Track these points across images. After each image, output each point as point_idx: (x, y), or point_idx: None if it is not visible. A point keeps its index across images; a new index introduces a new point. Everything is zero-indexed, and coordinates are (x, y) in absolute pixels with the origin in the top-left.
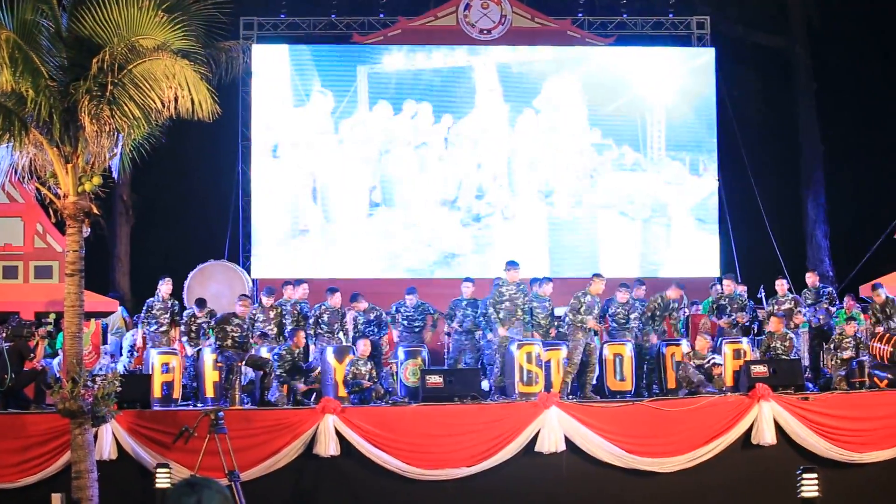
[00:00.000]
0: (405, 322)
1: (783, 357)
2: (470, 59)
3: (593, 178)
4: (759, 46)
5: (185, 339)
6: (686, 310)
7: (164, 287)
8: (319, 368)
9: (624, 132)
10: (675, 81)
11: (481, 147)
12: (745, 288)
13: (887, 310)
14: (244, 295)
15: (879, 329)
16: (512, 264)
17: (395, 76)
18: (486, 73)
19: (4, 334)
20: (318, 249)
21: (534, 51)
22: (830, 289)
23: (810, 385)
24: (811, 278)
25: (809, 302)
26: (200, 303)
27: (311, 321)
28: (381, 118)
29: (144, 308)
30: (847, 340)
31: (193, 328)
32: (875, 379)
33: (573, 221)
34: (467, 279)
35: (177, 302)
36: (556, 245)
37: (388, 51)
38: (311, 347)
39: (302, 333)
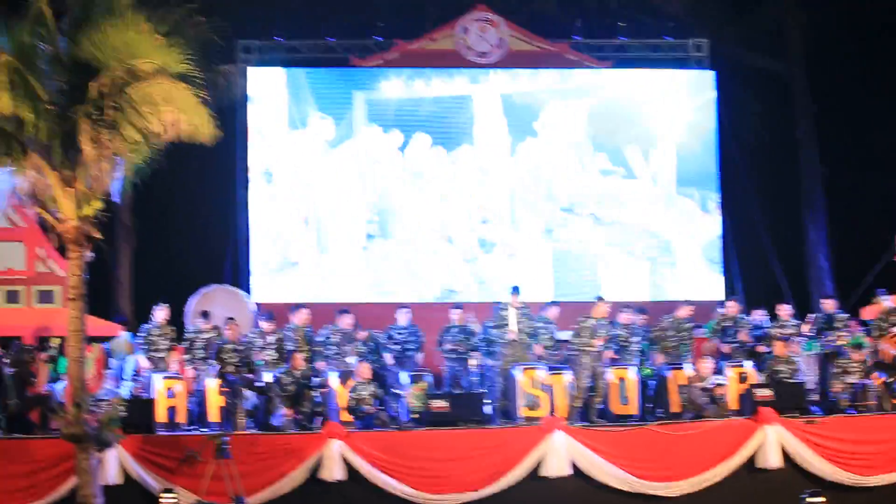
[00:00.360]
0: (398, 346)
1: (787, 380)
2: (470, 88)
3: (598, 214)
4: (757, 69)
5: (187, 356)
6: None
7: (161, 314)
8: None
9: (631, 166)
10: (684, 115)
11: (481, 180)
12: (764, 312)
13: (892, 318)
14: (230, 318)
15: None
16: (516, 289)
17: (393, 104)
18: (486, 103)
19: (7, 360)
20: (315, 277)
21: (535, 79)
22: (846, 316)
23: (815, 409)
24: (828, 304)
25: (821, 327)
26: (205, 315)
27: (319, 341)
28: (377, 147)
29: (142, 333)
30: (854, 365)
31: (198, 344)
32: (873, 376)
33: (577, 258)
34: (456, 305)
35: (174, 328)
36: (560, 282)
37: (385, 77)
38: (322, 365)
39: (299, 356)
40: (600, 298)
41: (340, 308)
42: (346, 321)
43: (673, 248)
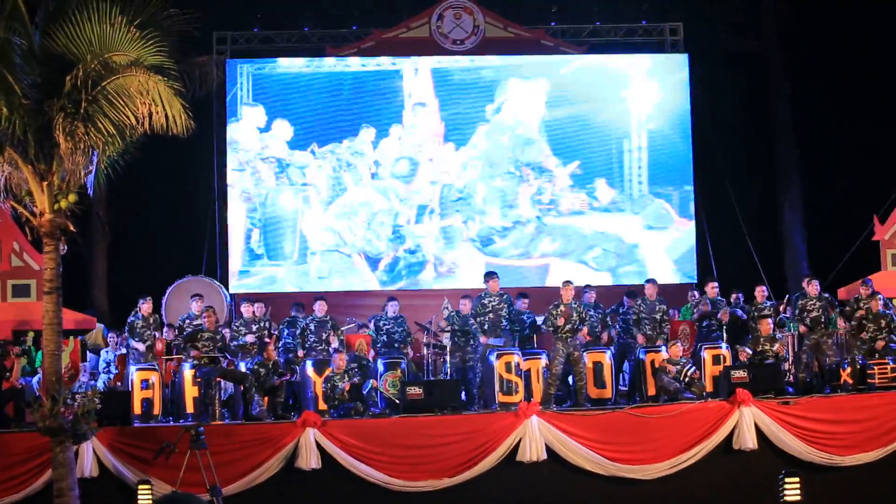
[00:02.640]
0: (384, 336)
1: (773, 359)
2: (398, 63)
3: (552, 221)
4: (732, 51)
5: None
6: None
7: (145, 306)
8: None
9: (597, 164)
10: (657, 108)
11: (405, 180)
12: (739, 296)
13: (865, 303)
14: (208, 307)
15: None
16: (491, 274)
17: (286, 80)
18: (416, 82)
19: None
20: (291, 270)
21: (484, 56)
22: (827, 295)
23: (791, 389)
24: (812, 287)
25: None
26: (198, 296)
27: (298, 332)
28: (257, 134)
29: (127, 325)
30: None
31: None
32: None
33: (519, 273)
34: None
35: (157, 317)
36: None
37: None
38: (300, 353)
39: (271, 346)
40: (568, 282)
41: (316, 295)
42: (320, 308)
43: (639, 253)
